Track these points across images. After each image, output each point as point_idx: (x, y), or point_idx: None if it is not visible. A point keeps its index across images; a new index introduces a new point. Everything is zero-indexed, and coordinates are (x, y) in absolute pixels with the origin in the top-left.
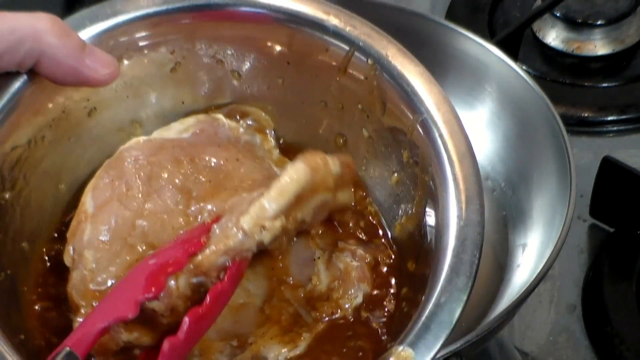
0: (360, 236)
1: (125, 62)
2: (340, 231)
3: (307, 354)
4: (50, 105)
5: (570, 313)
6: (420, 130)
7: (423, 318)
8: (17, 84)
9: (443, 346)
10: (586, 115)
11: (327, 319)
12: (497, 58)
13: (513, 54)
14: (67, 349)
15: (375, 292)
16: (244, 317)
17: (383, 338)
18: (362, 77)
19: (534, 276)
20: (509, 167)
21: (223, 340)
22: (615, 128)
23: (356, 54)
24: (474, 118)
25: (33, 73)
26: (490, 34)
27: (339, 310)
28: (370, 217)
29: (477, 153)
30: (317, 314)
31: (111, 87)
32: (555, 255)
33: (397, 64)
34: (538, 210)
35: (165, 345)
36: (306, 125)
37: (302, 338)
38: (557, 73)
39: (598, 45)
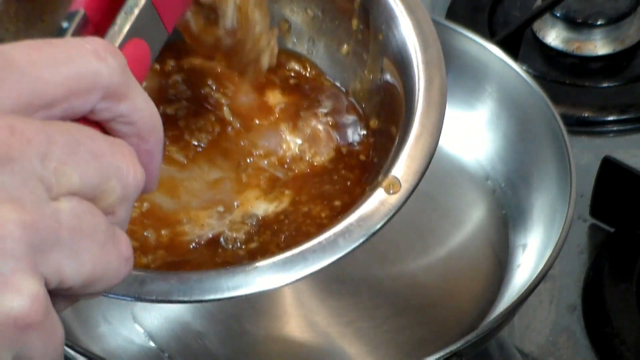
0: (321, 103)
1: None
2: (304, 104)
3: (293, 205)
4: None
5: (570, 313)
6: None
7: (402, 153)
8: None
9: (424, 173)
10: (586, 115)
11: (303, 174)
12: (497, 58)
13: (513, 54)
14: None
15: (344, 148)
16: (223, 189)
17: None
18: None
19: (534, 276)
20: (509, 167)
21: (208, 209)
22: (615, 128)
23: None
24: (474, 118)
25: None
26: (490, 34)
27: (315, 165)
28: (327, 89)
29: (477, 153)
30: (293, 173)
31: None
32: (555, 255)
33: None
34: (538, 210)
35: None
36: None
37: (285, 194)
38: (557, 73)
39: (598, 45)
